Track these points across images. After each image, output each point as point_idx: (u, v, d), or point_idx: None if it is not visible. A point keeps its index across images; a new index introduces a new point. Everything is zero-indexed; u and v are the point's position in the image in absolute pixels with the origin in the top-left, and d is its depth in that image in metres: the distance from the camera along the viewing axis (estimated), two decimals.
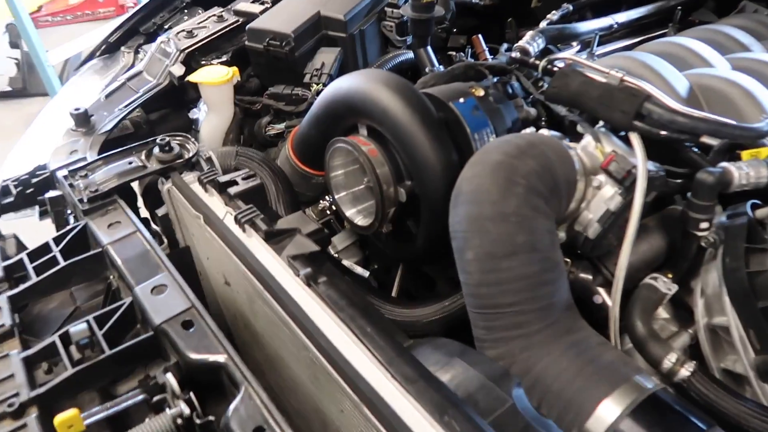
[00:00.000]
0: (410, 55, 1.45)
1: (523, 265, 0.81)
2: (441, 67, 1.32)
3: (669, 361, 0.83)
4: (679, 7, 1.40)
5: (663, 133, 0.89)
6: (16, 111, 3.58)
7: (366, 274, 1.17)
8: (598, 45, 1.34)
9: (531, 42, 1.18)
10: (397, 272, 1.28)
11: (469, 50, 1.35)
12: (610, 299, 0.93)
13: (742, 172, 0.85)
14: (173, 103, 1.47)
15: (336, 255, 1.22)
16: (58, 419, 0.67)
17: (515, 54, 1.12)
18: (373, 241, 1.21)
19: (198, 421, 0.69)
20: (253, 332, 1.01)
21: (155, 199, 1.20)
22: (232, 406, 0.71)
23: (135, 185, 1.25)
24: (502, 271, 0.81)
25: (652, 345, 0.85)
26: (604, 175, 0.91)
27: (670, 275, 0.94)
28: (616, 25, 1.33)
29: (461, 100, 0.99)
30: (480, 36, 1.36)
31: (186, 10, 1.60)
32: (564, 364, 0.79)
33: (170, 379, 0.72)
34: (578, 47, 1.30)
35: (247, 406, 0.70)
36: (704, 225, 0.88)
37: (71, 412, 0.67)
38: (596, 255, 0.95)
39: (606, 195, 0.90)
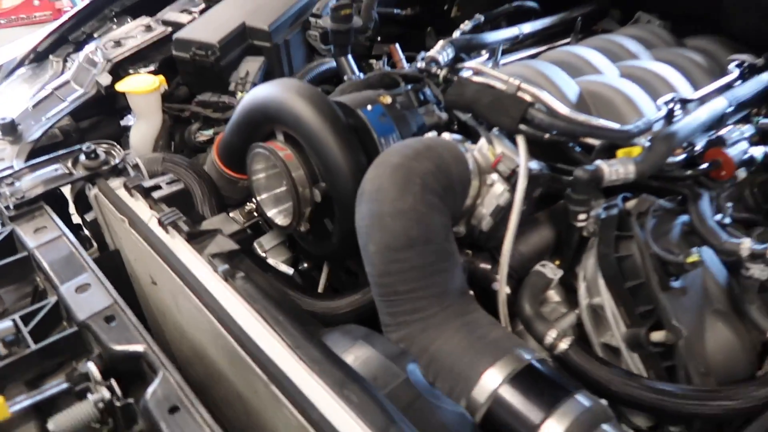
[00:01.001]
0: (334, 63, 1.53)
1: (419, 255, 0.90)
2: (361, 74, 1.41)
3: (550, 336, 0.94)
4: (580, 18, 1.53)
5: (546, 135, 0.99)
6: None
7: (290, 271, 1.25)
8: (508, 53, 1.47)
9: (441, 52, 1.27)
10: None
11: (385, 59, 1.44)
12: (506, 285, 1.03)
13: (612, 168, 0.96)
14: (105, 111, 1.51)
15: (264, 254, 1.29)
16: None
17: (422, 64, 1.21)
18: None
19: (118, 404, 0.76)
20: (179, 328, 1.07)
21: (85, 205, 1.24)
22: (150, 389, 0.77)
23: (66, 191, 1.29)
24: (400, 262, 0.90)
25: (536, 323, 0.96)
26: (495, 174, 1.01)
27: (558, 262, 1.05)
28: (521, 36, 1.44)
29: (369, 107, 1.08)
30: (397, 45, 1.45)
31: (115, 19, 1.64)
32: (456, 342, 0.88)
33: (91, 367, 0.78)
34: (487, 56, 1.40)
35: (164, 388, 0.77)
36: (582, 216, 0.99)
37: None
38: (492, 246, 1.05)
39: (496, 192, 1.00)
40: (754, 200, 1.13)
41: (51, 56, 1.57)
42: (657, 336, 0.93)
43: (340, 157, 1.03)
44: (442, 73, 1.15)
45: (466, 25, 1.47)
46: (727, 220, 0.99)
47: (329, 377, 0.78)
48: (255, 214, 1.32)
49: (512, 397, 0.82)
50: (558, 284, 1.08)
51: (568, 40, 1.56)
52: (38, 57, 1.60)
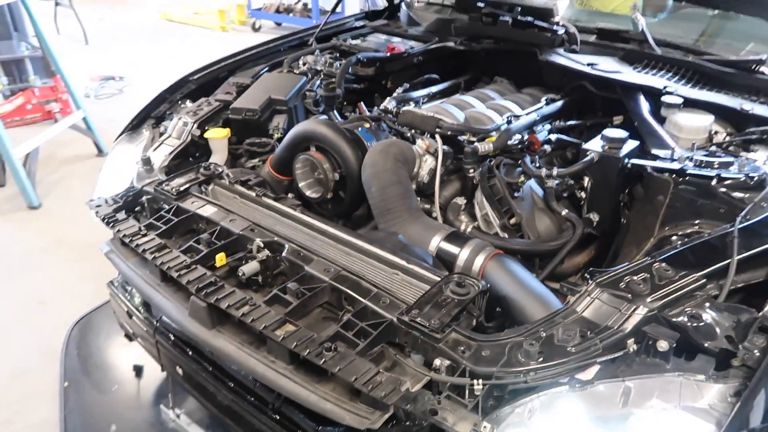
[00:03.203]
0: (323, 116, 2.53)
1: (395, 189, 1.88)
2: (341, 119, 2.41)
3: (462, 225, 1.92)
4: (462, 82, 2.63)
5: (449, 132, 2.02)
6: None
7: None
8: (426, 102, 2.52)
9: (389, 102, 2.31)
10: None
11: (357, 110, 2.46)
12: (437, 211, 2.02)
13: (481, 146, 1.99)
14: (188, 154, 2.39)
15: None
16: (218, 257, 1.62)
17: (383, 107, 2.24)
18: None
19: (271, 256, 1.66)
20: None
21: None
22: (284, 249, 1.68)
23: None
24: (386, 194, 1.87)
25: (454, 222, 1.95)
26: (427, 155, 2.02)
27: (463, 198, 2.05)
28: (431, 93, 2.52)
29: (360, 128, 2.08)
30: (362, 103, 2.48)
31: (180, 102, 2.58)
32: (417, 229, 1.84)
33: (257, 243, 1.68)
34: (413, 104, 2.44)
35: (290, 249, 1.68)
36: (471, 171, 2.00)
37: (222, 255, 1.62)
38: (430, 192, 2.04)
39: (428, 162, 2.01)
40: (558, 163, 2.19)
41: (143, 126, 2.48)
42: (512, 220, 1.94)
43: (350, 153, 2.01)
44: (394, 110, 2.17)
45: (400, 90, 2.53)
46: (537, 165, 2.04)
47: (362, 240, 1.71)
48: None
49: (445, 245, 1.79)
50: (467, 212, 2.09)
51: (458, 94, 2.65)
52: (133, 127, 2.50)
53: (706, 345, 1.28)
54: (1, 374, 2.78)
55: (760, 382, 1.22)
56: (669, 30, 2.71)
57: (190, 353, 1.84)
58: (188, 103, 2.56)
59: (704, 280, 1.42)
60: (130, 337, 2.37)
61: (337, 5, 3.31)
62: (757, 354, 1.25)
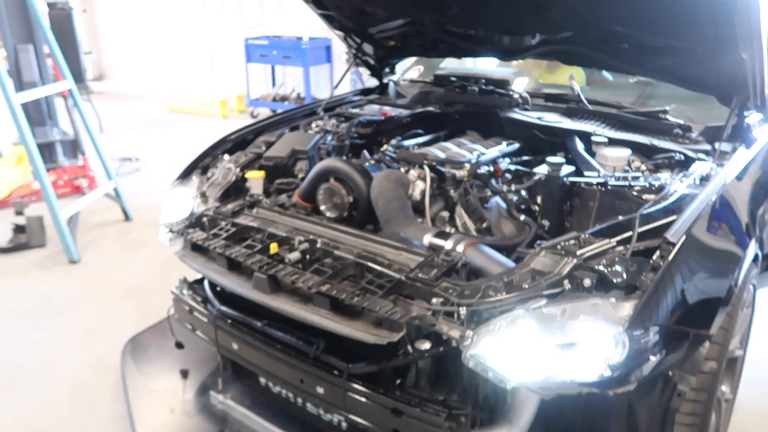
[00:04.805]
0: None
1: (396, 204, 2.53)
2: None
3: (446, 229, 2.57)
4: (443, 134, 3.37)
5: (434, 163, 2.71)
6: (20, 259, 4.77)
7: None
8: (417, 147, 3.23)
9: (389, 146, 3.02)
10: None
11: (362, 156, 3.16)
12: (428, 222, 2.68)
13: (458, 173, 2.68)
14: (232, 192, 3.04)
15: None
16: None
17: (382, 150, 2.94)
18: None
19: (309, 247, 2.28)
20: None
21: None
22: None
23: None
24: (390, 207, 2.52)
25: (441, 228, 2.59)
26: (419, 180, 2.70)
27: (447, 212, 2.71)
28: (419, 142, 3.24)
29: (367, 164, 2.77)
30: (365, 151, 3.19)
31: (220, 155, 3.26)
32: (414, 230, 2.48)
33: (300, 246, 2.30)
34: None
35: (323, 241, 2.31)
36: (451, 191, 2.68)
37: (275, 243, 2.24)
38: (422, 209, 2.70)
39: (420, 185, 2.68)
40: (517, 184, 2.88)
41: (192, 174, 3.15)
42: (484, 225, 2.59)
43: (360, 181, 2.68)
44: (391, 149, 2.87)
45: (393, 141, 3.25)
46: (500, 184, 2.72)
47: (374, 235, 2.35)
48: None
49: (435, 240, 2.41)
50: (450, 222, 2.74)
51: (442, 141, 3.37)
52: (183, 176, 3.17)
53: (615, 281, 1.90)
54: (64, 385, 3.26)
55: (649, 300, 1.84)
56: (610, 96, 3.49)
57: (245, 330, 2.41)
58: (226, 156, 3.24)
59: (615, 243, 2.05)
60: (179, 344, 2.92)
61: (338, 84, 4.09)
62: (649, 283, 1.87)
